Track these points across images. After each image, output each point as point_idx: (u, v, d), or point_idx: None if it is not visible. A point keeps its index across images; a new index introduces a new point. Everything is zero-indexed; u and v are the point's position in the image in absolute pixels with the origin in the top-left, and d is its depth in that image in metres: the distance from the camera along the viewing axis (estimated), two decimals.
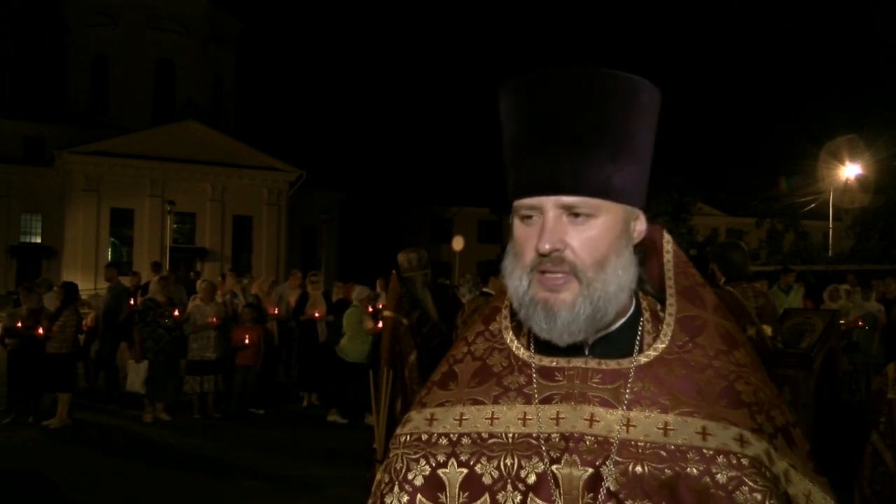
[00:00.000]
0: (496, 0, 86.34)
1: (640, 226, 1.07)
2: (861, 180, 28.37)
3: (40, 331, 7.90)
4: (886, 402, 2.49)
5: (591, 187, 0.99)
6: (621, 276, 1.01)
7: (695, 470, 0.95)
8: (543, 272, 1.00)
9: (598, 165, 0.99)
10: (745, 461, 0.95)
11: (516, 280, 1.03)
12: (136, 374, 8.76)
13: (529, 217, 1.02)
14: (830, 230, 29.83)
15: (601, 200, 0.99)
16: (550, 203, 0.99)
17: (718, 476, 0.94)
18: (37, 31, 40.38)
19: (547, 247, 0.98)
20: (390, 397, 5.10)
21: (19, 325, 8.03)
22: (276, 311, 9.51)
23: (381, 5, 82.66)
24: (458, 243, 26.90)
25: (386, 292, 8.20)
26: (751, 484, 0.94)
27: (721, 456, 0.95)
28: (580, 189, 0.98)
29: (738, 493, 0.93)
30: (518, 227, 1.04)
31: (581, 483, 0.97)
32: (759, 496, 0.93)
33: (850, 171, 28.13)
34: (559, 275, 0.99)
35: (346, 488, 5.64)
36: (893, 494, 2.43)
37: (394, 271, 6.21)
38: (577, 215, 0.99)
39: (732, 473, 0.94)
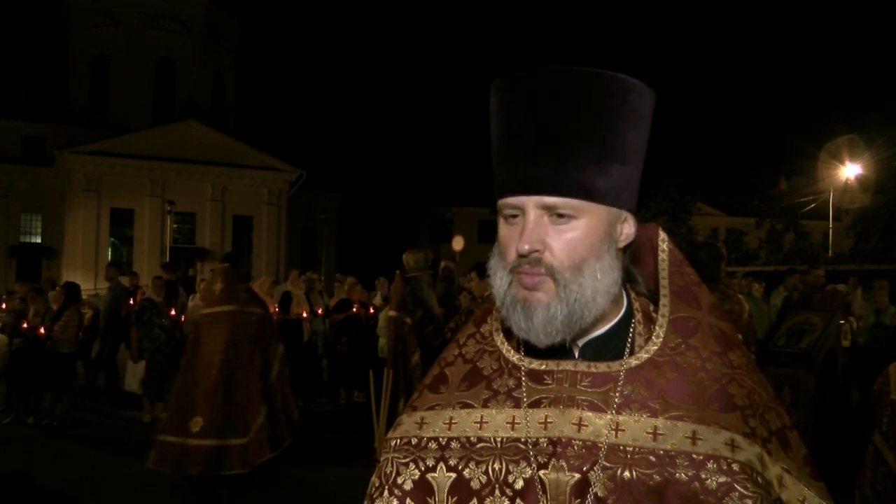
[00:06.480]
0: (495, 0, 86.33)
1: (628, 229, 1.05)
2: (861, 180, 28.34)
3: (41, 330, 7.91)
4: (889, 403, 2.47)
5: (573, 188, 0.97)
6: (600, 279, 0.99)
7: (684, 475, 0.93)
8: (521, 273, 0.99)
9: (581, 166, 0.97)
10: (735, 466, 0.94)
11: (498, 279, 1.03)
12: (132, 374, 8.78)
13: (513, 217, 1.01)
14: (830, 230, 29.80)
15: (583, 202, 0.98)
16: (532, 203, 0.98)
17: (708, 482, 0.93)
18: (37, 31, 40.39)
19: (526, 248, 0.97)
20: (393, 397, 5.11)
21: (25, 325, 8.05)
22: (277, 311, 9.51)
23: (380, 5, 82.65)
24: (458, 243, 26.85)
25: (389, 292, 8.38)
26: (741, 490, 0.92)
27: (711, 461, 0.94)
28: (561, 190, 0.97)
29: (727, 499, 0.92)
30: (502, 226, 1.04)
31: (568, 489, 0.96)
32: (749, 502, 0.92)
33: (850, 171, 28.10)
34: (537, 277, 0.98)
35: (347, 488, 5.63)
36: (895, 495, 2.42)
37: (398, 271, 6.22)
38: (559, 216, 0.98)
39: (722, 479, 0.93)
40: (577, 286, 0.98)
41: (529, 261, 0.98)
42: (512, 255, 1.00)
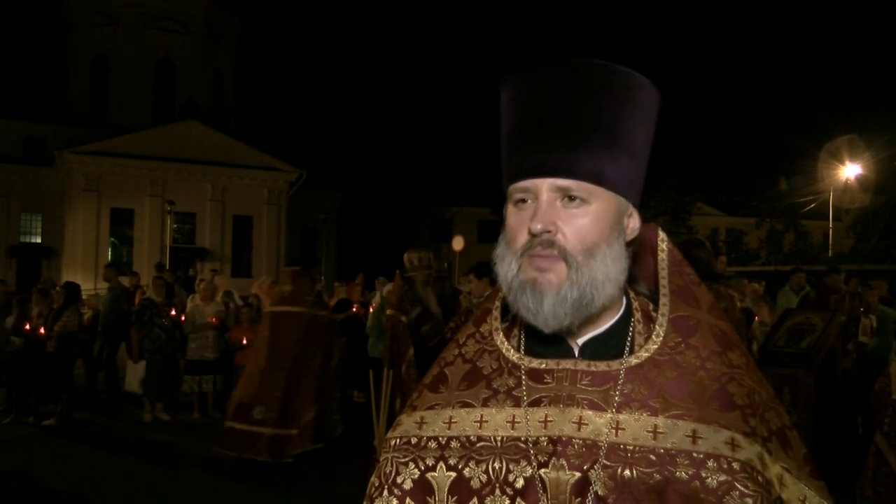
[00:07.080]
0: (496, 0, 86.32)
1: (634, 223, 1.07)
2: (861, 180, 28.34)
3: (41, 330, 7.92)
4: (891, 404, 2.47)
5: (586, 172, 0.99)
6: (610, 266, 1.00)
7: (684, 474, 0.93)
8: (533, 255, 1.00)
9: (593, 153, 0.99)
10: (736, 465, 0.94)
11: (506, 266, 1.03)
12: (133, 374, 8.80)
13: (523, 202, 1.02)
14: (830, 230, 29.80)
15: (595, 186, 1.00)
16: (545, 186, 1.00)
17: (708, 480, 0.93)
18: (37, 31, 40.39)
19: (539, 227, 0.98)
20: (391, 396, 5.11)
21: (28, 327, 8.05)
22: None
23: (380, 5, 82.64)
24: (458, 243, 26.86)
25: (386, 291, 8.39)
26: (741, 489, 0.92)
27: (711, 460, 0.94)
28: (575, 173, 0.99)
29: (728, 497, 0.92)
30: (511, 213, 1.04)
31: (568, 487, 0.96)
32: (750, 501, 0.92)
33: (850, 171, 28.10)
34: (549, 259, 0.99)
35: (347, 488, 5.62)
36: None
37: (397, 271, 6.26)
38: (570, 199, 0.99)
39: (723, 478, 0.93)
40: (588, 269, 0.99)
41: (542, 241, 0.99)
42: (522, 239, 1.01)
